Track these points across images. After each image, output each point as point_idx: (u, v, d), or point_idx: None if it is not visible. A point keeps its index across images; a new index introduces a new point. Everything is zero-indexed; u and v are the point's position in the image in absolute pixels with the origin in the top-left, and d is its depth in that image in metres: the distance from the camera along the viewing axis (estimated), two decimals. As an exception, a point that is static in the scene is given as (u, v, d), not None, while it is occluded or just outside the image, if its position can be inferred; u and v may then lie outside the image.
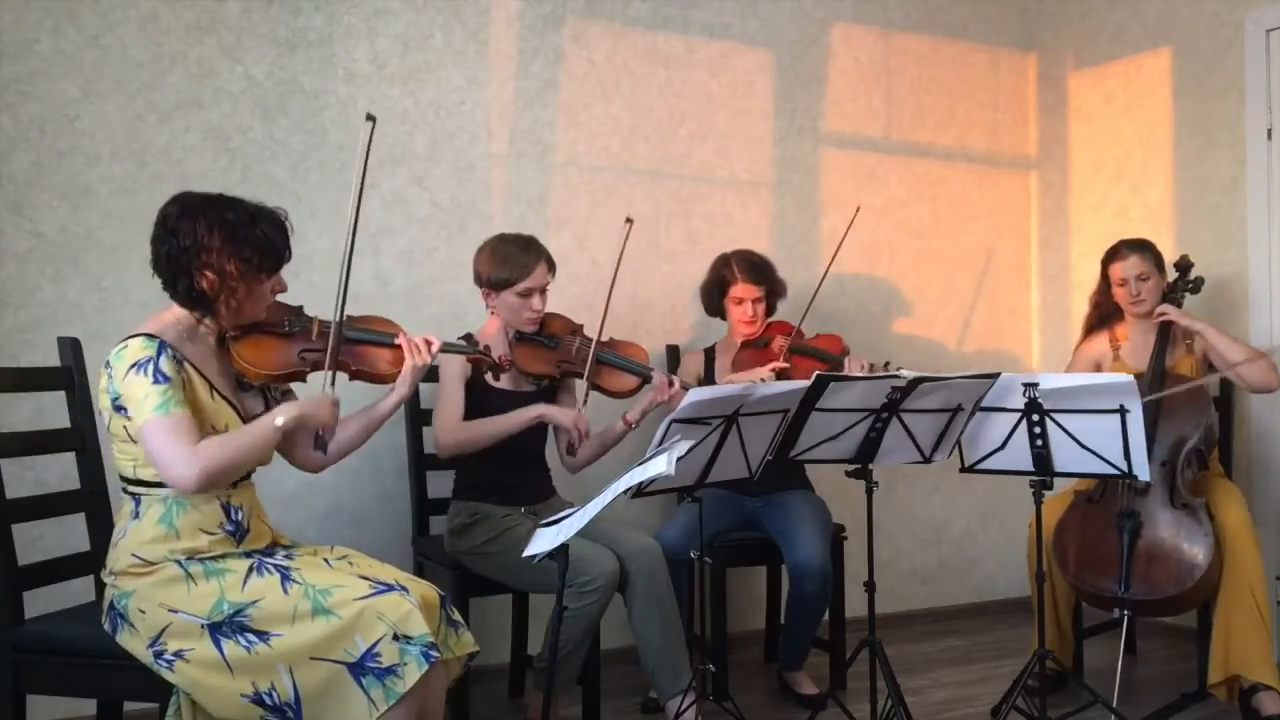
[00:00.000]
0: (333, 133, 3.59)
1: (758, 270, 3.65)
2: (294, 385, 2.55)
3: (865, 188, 4.53)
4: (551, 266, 3.18)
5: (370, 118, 2.37)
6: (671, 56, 4.15)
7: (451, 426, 3.08)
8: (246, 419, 2.35)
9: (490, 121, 3.83)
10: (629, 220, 3.22)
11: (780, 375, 3.43)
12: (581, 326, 3.27)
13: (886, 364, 3.53)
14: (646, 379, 3.20)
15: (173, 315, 2.32)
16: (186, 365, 2.26)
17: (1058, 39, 4.79)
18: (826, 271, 3.68)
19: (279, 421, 2.28)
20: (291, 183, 3.53)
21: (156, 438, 2.15)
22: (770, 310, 3.71)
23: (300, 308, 2.52)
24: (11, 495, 2.43)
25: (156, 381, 2.16)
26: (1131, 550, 3.19)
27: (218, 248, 2.24)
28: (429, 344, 2.59)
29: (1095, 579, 3.27)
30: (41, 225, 3.24)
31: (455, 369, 3.13)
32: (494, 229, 3.75)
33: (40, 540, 2.99)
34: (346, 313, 2.48)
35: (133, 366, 2.18)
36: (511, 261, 3.12)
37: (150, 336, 2.22)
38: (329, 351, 2.41)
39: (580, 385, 3.20)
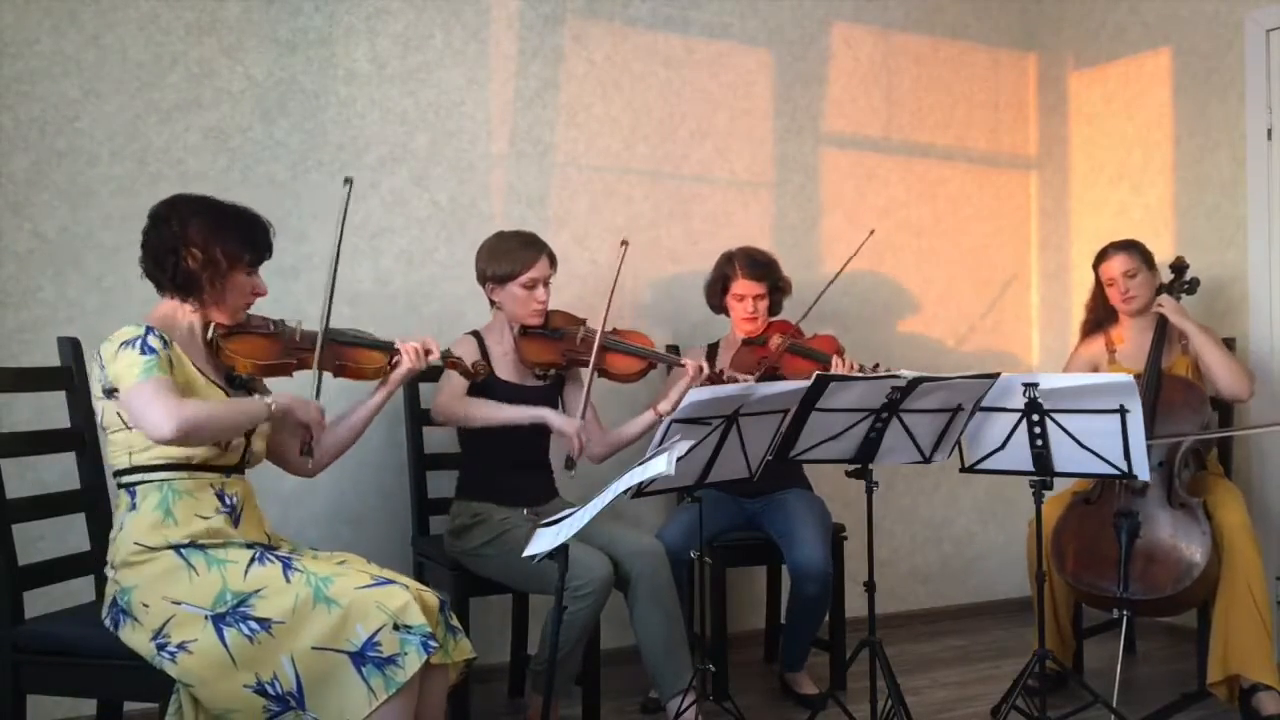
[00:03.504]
0: (333, 133, 3.59)
1: (760, 267, 3.63)
2: (279, 385, 2.58)
3: (865, 188, 4.53)
4: (553, 260, 3.20)
5: (348, 181, 2.53)
6: (671, 56, 4.15)
7: (454, 395, 3.10)
8: None
9: (490, 121, 3.83)
10: (624, 243, 3.19)
11: (770, 373, 3.44)
12: (585, 320, 3.28)
13: (876, 365, 3.54)
14: (653, 363, 3.20)
15: (158, 315, 2.40)
16: (175, 346, 2.33)
17: (1058, 39, 4.79)
18: (833, 280, 3.63)
19: (270, 402, 2.37)
20: (292, 183, 3.53)
21: (140, 397, 2.20)
22: (775, 308, 3.70)
23: (281, 320, 2.60)
24: (11, 495, 2.43)
25: (144, 353, 2.24)
26: (1129, 550, 3.19)
27: (203, 233, 2.36)
28: (428, 352, 2.68)
29: (1094, 579, 3.28)
30: (41, 225, 3.24)
31: (466, 355, 3.14)
32: (494, 229, 3.75)
33: (40, 540, 2.99)
34: (331, 324, 2.57)
35: (122, 345, 2.26)
36: (514, 255, 3.14)
37: (137, 325, 2.31)
38: (316, 350, 2.50)
39: (585, 374, 3.20)
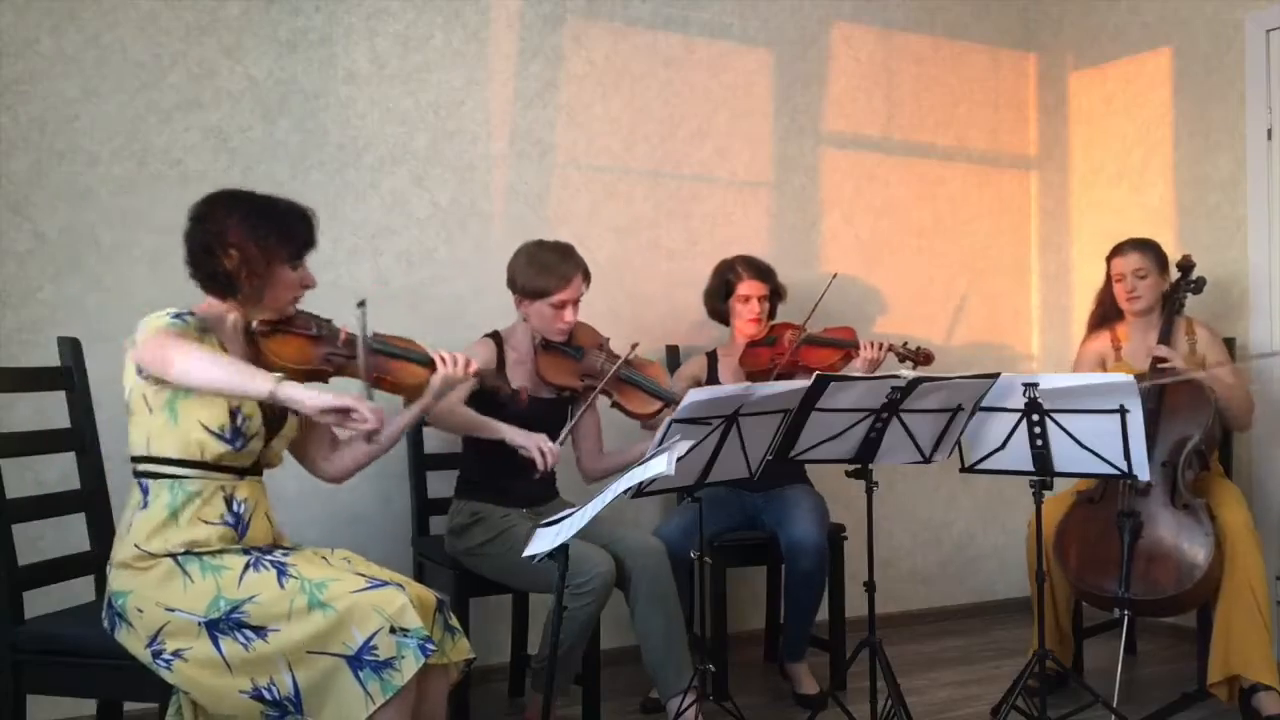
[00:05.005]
0: (333, 133, 3.59)
1: (762, 270, 3.72)
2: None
3: (865, 188, 4.53)
4: (587, 277, 3.16)
5: (361, 304, 2.37)
6: (671, 56, 4.15)
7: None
8: (264, 408, 2.34)
9: (490, 121, 3.83)
10: (634, 346, 3.12)
11: (791, 367, 3.51)
12: (608, 340, 3.26)
13: (905, 344, 3.58)
14: (669, 402, 3.12)
15: (201, 310, 2.37)
16: (213, 338, 2.32)
17: (1058, 39, 4.79)
18: (815, 306, 3.61)
19: (277, 387, 2.12)
20: (291, 182, 3.52)
21: (154, 340, 2.17)
22: (772, 313, 3.74)
23: (330, 320, 2.51)
24: (11, 495, 2.43)
25: (174, 318, 2.24)
26: (1132, 550, 3.19)
27: (240, 231, 2.31)
28: (468, 363, 2.58)
29: (1096, 579, 3.27)
30: (41, 225, 3.23)
31: (484, 363, 3.12)
32: (494, 229, 3.76)
33: (40, 540, 2.99)
34: (376, 330, 2.50)
35: (154, 316, 2.25)
36: (550, 271, 3.09)
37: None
38: (360, 358, 2.37)
39: (599, 402, 3.18)
